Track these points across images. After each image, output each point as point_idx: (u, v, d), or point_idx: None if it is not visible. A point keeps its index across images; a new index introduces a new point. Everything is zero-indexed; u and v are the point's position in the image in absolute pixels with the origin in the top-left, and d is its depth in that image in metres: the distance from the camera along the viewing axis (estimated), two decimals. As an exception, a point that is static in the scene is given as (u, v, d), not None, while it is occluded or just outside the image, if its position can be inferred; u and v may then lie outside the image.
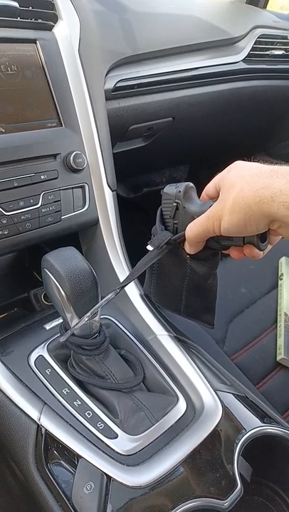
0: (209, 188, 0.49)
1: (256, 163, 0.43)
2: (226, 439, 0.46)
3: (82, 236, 0.75)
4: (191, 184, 0.51)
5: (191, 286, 0.55)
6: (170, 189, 0.51)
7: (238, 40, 1.06)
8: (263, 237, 0.45)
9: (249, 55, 1.06)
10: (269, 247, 0.47)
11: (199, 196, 0.52)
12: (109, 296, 0.49)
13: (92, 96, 0.68)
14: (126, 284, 0.51)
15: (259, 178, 0.40)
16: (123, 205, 0.73)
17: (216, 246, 0.48)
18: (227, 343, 0.80)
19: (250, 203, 0.39)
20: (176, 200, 0.50)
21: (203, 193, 0.50)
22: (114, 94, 0.78)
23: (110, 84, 0.77)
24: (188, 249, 0.50)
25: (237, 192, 0.41)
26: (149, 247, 0.52)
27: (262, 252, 0.46)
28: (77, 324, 0.47)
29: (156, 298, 0.61)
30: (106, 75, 0.76)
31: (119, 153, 0.93)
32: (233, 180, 0.42)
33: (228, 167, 0.46)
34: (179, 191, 0.50)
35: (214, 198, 0.47)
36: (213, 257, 0.52)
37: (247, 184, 0.40)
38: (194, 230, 0.47)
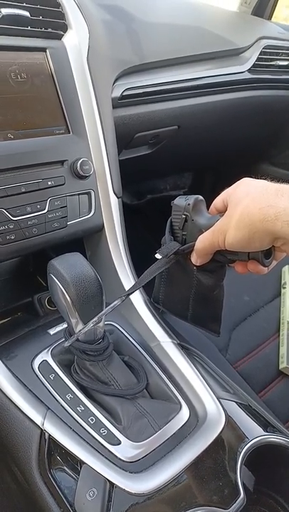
0: (217, 202, 0.50)
1: (263, 181, 0.44)
2: (228, 447, 0.46)
3: (87, 242, 0.76)
4: (201, 197, 0.52)
5: (197, 296, 0.56)
6: (180, 201, 0.52)
7: (244, 50, 1.07)
8: (267, 254, 0.46)
9: (254, 66, 1.07)
10: (274, 262, 0.48)
11: (209, 208, 0.52)
12: (115, 303, 0.49)
13: (100, 104, 0.69)
14: (132, 292, 0.52)
15: (264, 196, 0.41)
16: (127, 212, 0.74)
17: (222, 259, 0.50)
18: (230, 351, 0.80)
19: (255, 220, 0.40)
20: (185, 213, 0.51)
21: (211, 206, 0.51)
22: (121, 102, 0.79)
23: (117, 93, 0.78)
24: (195, 260, 0.51)
25: (242, 208, 0.42)
26: (158, 256, 0.53)
27: (266, 268, 0.47)
28: (82, 330, 0.47)
29: (165, 305, 0.62)
30: (113, 84, 0.77)
31: (124, 160, 0.94)
32: (239, 197, 0.43)
33: (236, 183, 0.47)
34: (188, 204, 0.51)
35: (222, 212, 0.48)
36: (219, 269, 0.53)
37: (252, 202, 0.41)
38: (202, 242, 0.48)
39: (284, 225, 0.39)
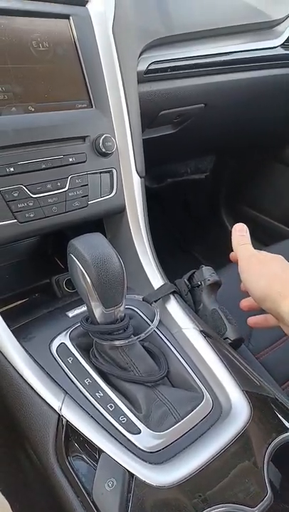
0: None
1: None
2: (255, 442, 0.43)
3: (107, 224, 0.73)
4: (220, 283, 0.64)
5: None
6: (206, 272, 0.63)
7: (277, 23, 1.00)
8: None
9: (288, 41, 1.01)
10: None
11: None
12: (151, 327, 0.53)
13: (125, 77, 0.65)
14: (158, 299, 0.59)
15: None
16: (146, 195, 0.70)
17: None
18: (252, 341, 0.77)
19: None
20: (202, 282, 0.63)
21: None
22: (146, 76, 0.75)
23: (143, 66, 0.74)
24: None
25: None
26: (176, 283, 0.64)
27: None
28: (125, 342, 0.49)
29: None
30: (139, 56, 0.72)
31: (146, 139, 0.90)
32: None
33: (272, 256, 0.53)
34: (209, 279, 0.62)
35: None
36: None
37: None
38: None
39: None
